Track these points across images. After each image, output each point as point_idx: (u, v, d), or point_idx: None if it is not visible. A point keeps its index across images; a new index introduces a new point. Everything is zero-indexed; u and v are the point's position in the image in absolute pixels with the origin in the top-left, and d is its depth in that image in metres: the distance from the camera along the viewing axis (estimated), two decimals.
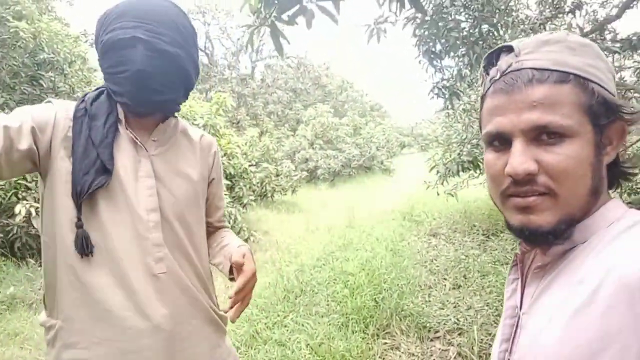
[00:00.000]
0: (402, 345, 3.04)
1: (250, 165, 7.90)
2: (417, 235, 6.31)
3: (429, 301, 3.75)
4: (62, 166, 0.99)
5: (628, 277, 0.48)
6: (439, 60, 5.23)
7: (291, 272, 4.39)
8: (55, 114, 1.01)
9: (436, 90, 5.48)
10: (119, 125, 1.06)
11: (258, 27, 2.28)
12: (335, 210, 8.82)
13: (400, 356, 2.93)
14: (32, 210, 4.40)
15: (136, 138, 1.07)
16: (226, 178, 6.36)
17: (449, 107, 6.06)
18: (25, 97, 6.34)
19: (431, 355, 2.93)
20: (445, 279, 4.31)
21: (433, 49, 4.91)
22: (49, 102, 1.04)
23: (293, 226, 7.52)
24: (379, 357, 2.88)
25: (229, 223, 5.59)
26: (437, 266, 4.72)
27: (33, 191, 4.76)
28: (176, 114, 1.19)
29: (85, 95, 1.09)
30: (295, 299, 3.71)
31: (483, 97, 0.66)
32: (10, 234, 4.62)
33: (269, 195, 9.62)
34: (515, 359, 0.62)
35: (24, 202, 4.50)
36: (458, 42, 4.73)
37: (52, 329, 1.01)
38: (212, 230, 1.31)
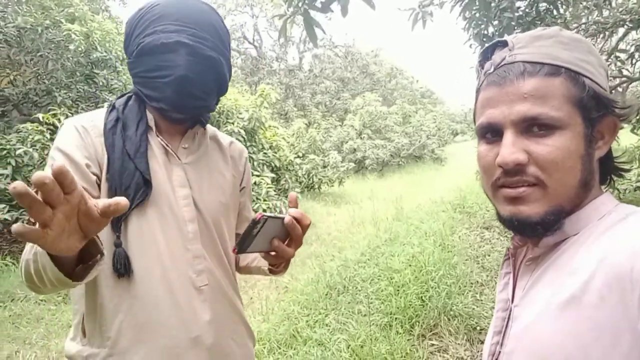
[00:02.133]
0: (450, 348, 2.88)
1: (296, 157, 7.88)
2: (469, 228, 6.01)
3: (481, 300, 3.53)
4: (103, 187, 0.95)
5: (620, 268, 0.49)
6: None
7: (334, 267, 4.29)
8: (85, 132, 0.96)
9: None
10: (149, 133, 1.02)
11: (291, 16, 2.19)
12: (383, 202, 8.62)
13: (448, 359, 2.77)
14: None
15: (167, 145, 1.03)
16: (271, 171, 6.36)
17: None
18: (81, 94, 6.65)
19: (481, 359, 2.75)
20: (498, 276, 4.06)
21: (485, 32, 4.60)
22: (63, 124, 0.98)
23: (339, 219, 7.42)
24: None
25: None
26: (490, 262, 4.46)
27: None
28: (217, 107, 1.12)
29: (114, 102, 1.04)
30: (338, 296, 3.62)
31: (477, 91, 0.67)
32: None
33: (316, 186, 9.59)
34: (506, 351, 0.63)
35: None
36: (513, 23, 4.41)
37: (93, 358, 0.93)
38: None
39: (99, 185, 0.94)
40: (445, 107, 31.08)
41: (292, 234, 0.85)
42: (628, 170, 0.66)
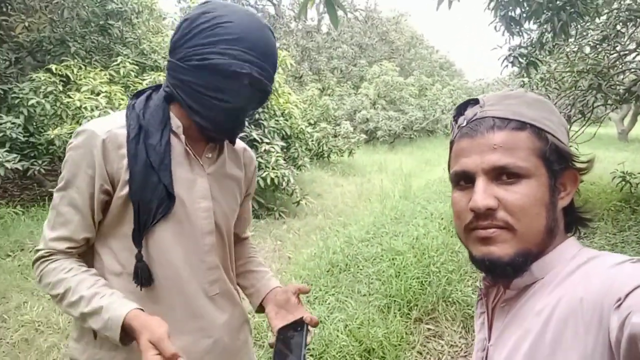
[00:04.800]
0: (446, 335, 2.93)
1: (308, 126, 7.80)
2: None
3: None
4: (124, 200, 0.93)
5: (572, 302, 0.55)
6: (517, 26, 4.72)
7: (338, 244, 4.32)
8: (106, 150, 0.91)
9: (511, 59, 4.99)
10: (172, 136, 0.97)
11: None
12: (392, 176, 8.59)
13: (442, 346, 2.83)
14: None
15: (195, 155, 1.00)
16: (282, 139, 6.31)
17: (525, 75, 5.56)
18: (95, 45, 6.56)
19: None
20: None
21: (512, 14, 4.42)
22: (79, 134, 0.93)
23: (346, 190, 7.43)
24: (420, 344, 2.80)
25: (282, 185, 5.59)
26: None
27: None
28: None
29: (133, 103, 0.99)
30: (339, 273, 3.66)
31: (451, 143, 0.74)
32: None
33: (326, 155, 9.54)
34: None
35: None
36: (542, 6, 4.21)
37: None
38: (236, 240, 1.23)
39: (110, 199, 0.93)
40: (463, 80, 30.40)
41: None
42: (591, 220, 0.71)
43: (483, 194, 0.63)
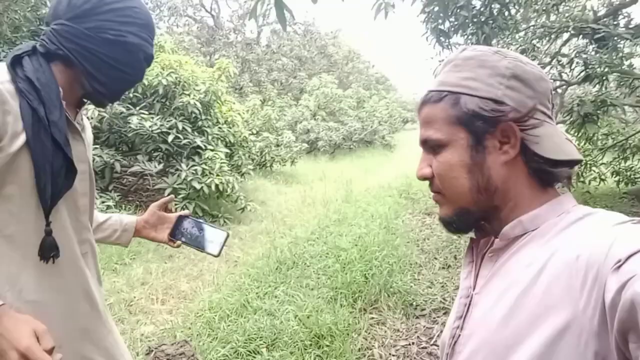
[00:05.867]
0: (389, 321, 3.13)
1: (250, 134, 7.87)
2: (412, 213, 6.37)
3: (418, 280, 3.83)
4: (17, 158, 0.89)
5: (567, 259, 0.54)
6: (446, 38, 5.16)
7: (285, 244, 4.45)
8: None
9: None
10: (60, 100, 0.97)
11: None
12: (333, 184, 8.85)
13: (385, 331, 3.01)
14: None
15: (74, 121, 1.02)
16: (225, 146, 6.34)
17: None
18: None
19: (415, 332, 3.02)
20: (435, 258, 4.38)
21: (441, 27, 4.84)
22: None
23: (290, 197, 7.56)
24: (365, 331, 2.97)
25: (227, 191, 5.62)
26: (429, 245, 4.79)
27: None
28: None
29: (19, 64, 0.93)
30: (287, 270, 3.79)
31: None
32: None
33: (268, 165, 9.63)
34: (465, 334, 0.68)
35: None
36: (467, 20, 4.64)
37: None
38: None
39: None
40: (398, 94, 31.75)
41: None
42: (577, 163, 0.67)
43: (419, 166, 0.71)
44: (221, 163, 5.64)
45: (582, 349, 0.50)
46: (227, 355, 2.43)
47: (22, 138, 0.88)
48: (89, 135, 1.16)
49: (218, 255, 1.21)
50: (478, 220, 0.71)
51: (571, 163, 0.66)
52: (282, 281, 3.54)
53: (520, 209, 0.66)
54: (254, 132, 9.02)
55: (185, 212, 1.29)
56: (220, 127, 6.40)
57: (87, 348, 1.08)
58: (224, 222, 5.75)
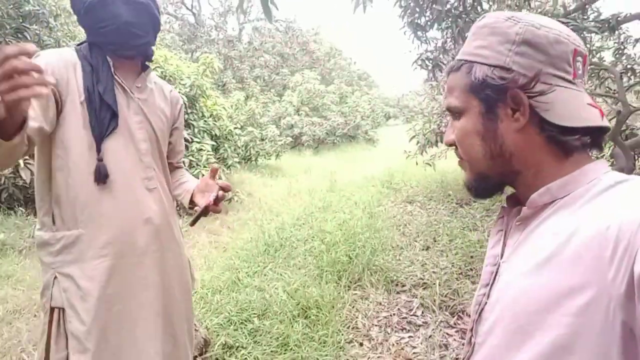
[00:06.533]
0: (371, 296, 3.33)
1: (235, 128, 8.00)
2: (394, 201, 6.59)
3: (399, 259, 4.04)
4: (76, 110, 1.24)
5: (597, 228, 0.52)
6: (423, 32, 5.35)
7: (272, 228, 4.63)
8: (53, 68, 1.23)
9: (420, 62, 5.63)
10: (110, 72, 1.32)
11: None
12: (318, 176, 9.05)
13: (368, 305, 3.22)
14: (21, 162, 4.50)
15: (124, 84, 1.36)
16: (211, 139, 6.48)
17: (432, 78, 6.24)
18: None
19: (396, 305, 3.23)
20: (416, 241, 4.61)
21: (418, 21, 5.03)
22: (38, 55, 1.24)
23: (276, 189, 7.73)
24: (349, 304, 3.16)
25: None
26: (410, 229, 5.02)
27: None
28: (159, 71, 1.49)
29: (79, 49, 1.32)
30: (275, 252, 3.97)
31: None
32: None
33: (253, 158, 9.76)
34: (491, 301, 0.68)
35: None
36: (442, 14, 4.84)
37: (67, 238, 1.26)
38: (171, 169, 1.61)
39: (59, 102, 1.24)
40: (380, 90, 32.03)
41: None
42: (601, 130, 0.64)
43: (447, 131, 0.74)
44: (208, 155, 5.78)
45: (611, 319, 0.49)
46: (221, 324, 2.60)
47: (82, 96, 1.25)
48: (156, 98, 1.46)
49: (191, 225, 1.37)
50: (497, 186, 0.72)
51: (592, 130, 0.63)
52: (271, 261, 3.72)
53: (544, 175, 0.64)
54: (239, 126, 9.13)
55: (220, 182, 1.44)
56: (205, 121, 6.52)
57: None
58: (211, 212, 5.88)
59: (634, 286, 0.46)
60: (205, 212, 1.32)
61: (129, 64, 1.38)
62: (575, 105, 0.62)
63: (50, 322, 1.25)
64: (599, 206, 0.56)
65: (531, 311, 0.57)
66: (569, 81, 0.63)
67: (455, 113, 0.70)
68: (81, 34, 8.46)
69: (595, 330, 0.51)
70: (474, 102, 0.66)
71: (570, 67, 0.62)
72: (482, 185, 0.72)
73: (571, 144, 0.63)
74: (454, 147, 0.73)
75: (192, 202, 1.47)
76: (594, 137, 0.64)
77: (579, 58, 0.63)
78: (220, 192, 1.32)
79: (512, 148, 0.65)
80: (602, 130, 0.64)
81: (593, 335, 0.51)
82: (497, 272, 0.70)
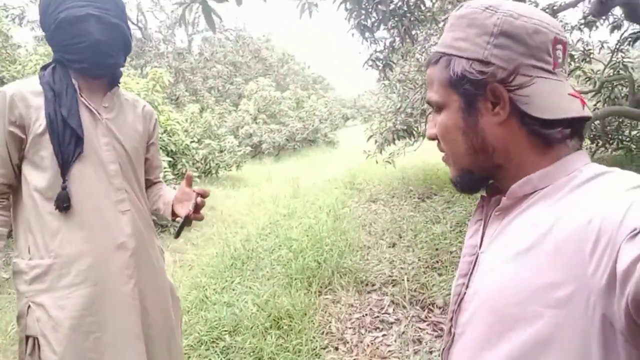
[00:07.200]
0: (343, 299, 3.33)
1: (192, 142, 7.85)
2: (358, 202, 6.64)
3: (367, 259, 4.06)
4: (40, 139, 1.24)
5: (578, 222, 0.52)
6: (371, 33, 5.43)
7: (237, 241, 4.56)
8: (12, 102, 1.24)
9: (370, 62, 5.70)
10: (76, 95, 1.30)
11: (190, 4, 2.37)
12: (280, 183, 9.00)
13: (340, 308, 3.21)
14: None
15: (91, 105, 1.33)
16: (167, 155, 6.33)
17: (384, 78, 6.34)
18: None
19: (368, 305, 3.24)
20: (382, 239, 4.65)
21: (364, 22, 5.09)
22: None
23: (239, 200, 7.63)
24: (322, 310, 3.15)
25: None
26: (375, 228, 5.06)
27: None
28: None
29: (42, 75, 1.30)
30: (242, 265, 3.90)
31: None
32: None
33: (214, 171, 9.61)
34: (470, 292, 0.68)
35: None
36: (387, 15, 4.92)
37: (39, 267, 1.24)
38: (150, 184, 1.58)
39: (23, 138, 1.26)
40: (336, 92, 32.32)
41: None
42: (581, 120, 0.63)
43: (428, 126, 0.72)
44: (165, 172, 5.64)
45: (591, 312, 0.49)
46: (191, 346, 2.53)
47: (44, 123, 1.23)
48: (127, 115, 1.43)
49: (176, 237, 1.36)
50: (483, 181, 0.71)
51: (573, 120, 0.61)
52: (238, 275, 3.65)
53: (525, 167, 0.64)
54: (196, 139, 8.97)
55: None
56: (160, 137, 6.36)
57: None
58: (173, 230, 5.74)
59: (615, 281, 0.46)
60: (187, 221, 1.30)
61: (96, 84, 1.36)
62: (556, 97, 0.61)
63: (24, 351, 1.25)
64: (579, 198, 0.55)
65: (511, 303, 0.57)
66: (550, 71, 0.61)
67: (436, 107, 0.69)
68: (21, 58, 8.10)
69: (575, 323, 0.51)
70: (454, 97, 0.65)
71: (550, 57, 0.61)
72: (467, 181, 0.70)
73: (552, 136, 0.62)
74: (436, 141, 0.72)
75: (173, 214, 1.44)
76: (575, 127, 0.64)
77: (559, 46, 0.62)
78: (199, 199, 1.31)
79: (494, 142, 0.64)
80: (583, 119, 0.63)
81: (573, 328, 0.51)
82: (475, 262, 0.69)
